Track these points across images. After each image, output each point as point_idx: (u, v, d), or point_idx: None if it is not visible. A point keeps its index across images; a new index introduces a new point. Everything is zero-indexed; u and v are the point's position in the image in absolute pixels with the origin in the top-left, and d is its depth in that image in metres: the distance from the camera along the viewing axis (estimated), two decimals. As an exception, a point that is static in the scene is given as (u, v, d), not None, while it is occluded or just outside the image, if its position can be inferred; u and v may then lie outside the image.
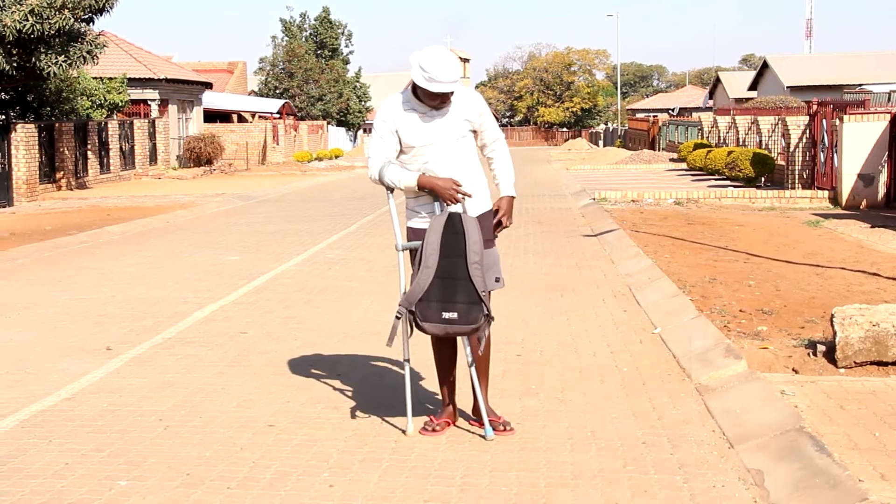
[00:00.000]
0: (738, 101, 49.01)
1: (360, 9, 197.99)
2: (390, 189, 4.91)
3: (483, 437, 4.86)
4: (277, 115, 46.14)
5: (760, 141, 24.73)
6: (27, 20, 19.39)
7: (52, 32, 19.96)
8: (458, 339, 5.01)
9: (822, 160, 19.11)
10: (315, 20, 59.47)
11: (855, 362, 5.77)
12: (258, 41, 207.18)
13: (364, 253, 12.17)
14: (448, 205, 4.79)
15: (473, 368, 4.94)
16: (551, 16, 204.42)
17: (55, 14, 19.71)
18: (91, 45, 21.44)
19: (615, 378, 6.01)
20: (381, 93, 60.66)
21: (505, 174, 5.05)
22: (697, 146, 29.42)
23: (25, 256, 12.29)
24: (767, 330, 6.88)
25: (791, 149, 20.72)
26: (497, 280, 4.94)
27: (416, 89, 4.84)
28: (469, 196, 4.83)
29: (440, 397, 5.17)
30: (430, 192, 4.80)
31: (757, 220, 15.08)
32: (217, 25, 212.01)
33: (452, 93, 4.79)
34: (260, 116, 45.39)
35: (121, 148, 29.16)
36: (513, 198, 5.04)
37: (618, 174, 29.67)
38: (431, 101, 4.80)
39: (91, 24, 22.34)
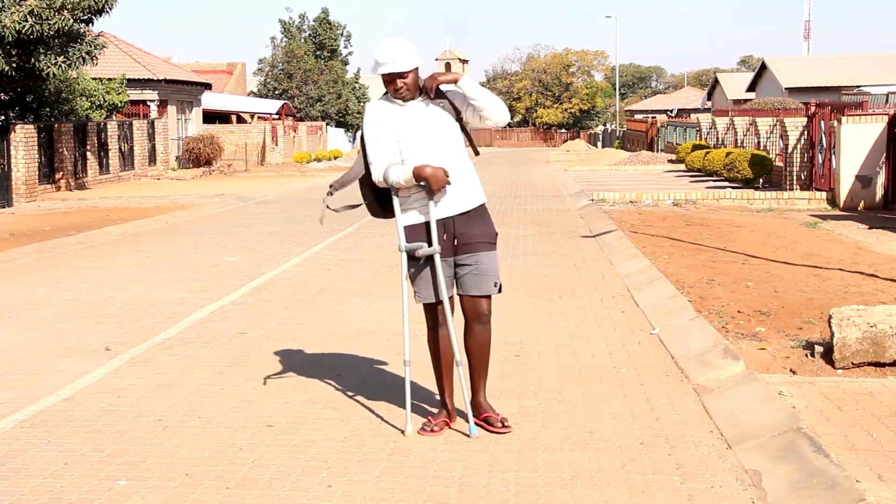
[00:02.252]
0: (737, 102, 48.99)
1: (359, 10, 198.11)
2: (396, 190, 4.91)
3: (478, 436, 4.87)
4: (276, 116, 46.13)
5: (759, 142, 24.74)
6: (27, 21, 19.39)
7: (52, 33, 19.95)
8: (456, 339, 5.01)
9: (821, 161, 19.13)
10: (314, 21, 59.51)
11: (852, 363, 5.78)
12: (257, 42, 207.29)
13: (362, 254, 12.18)
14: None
15: (465, 366, 4.96)
16: (550, 17, 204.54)
17: (54, 15, 19.71)
18: (90, 46, 21.43)
19: (613, 379, 6.02)
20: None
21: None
22: (696, 147, 29.44)
23: (24, 257, 12.29)
24: (765, 331, 6.90)
25: (789, 150, 20.74)
26: (496, 285, 4.97)
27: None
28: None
29: (438, 398, 5.18)
30: (424, 183, 4.79)
31: (755, 221, 15.10)
32: (216, 26, 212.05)
33: (406, 76, 4.82)
34: (259, 117, 45.38)
35: (120, 149, 29.15)
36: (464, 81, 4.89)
37: (616, 175, 29.68)
38: (390, 89, 4.89)
39: (90, 24, 22.33)
